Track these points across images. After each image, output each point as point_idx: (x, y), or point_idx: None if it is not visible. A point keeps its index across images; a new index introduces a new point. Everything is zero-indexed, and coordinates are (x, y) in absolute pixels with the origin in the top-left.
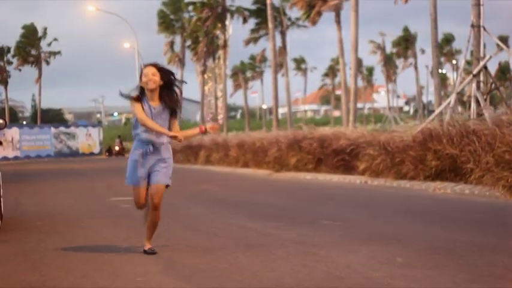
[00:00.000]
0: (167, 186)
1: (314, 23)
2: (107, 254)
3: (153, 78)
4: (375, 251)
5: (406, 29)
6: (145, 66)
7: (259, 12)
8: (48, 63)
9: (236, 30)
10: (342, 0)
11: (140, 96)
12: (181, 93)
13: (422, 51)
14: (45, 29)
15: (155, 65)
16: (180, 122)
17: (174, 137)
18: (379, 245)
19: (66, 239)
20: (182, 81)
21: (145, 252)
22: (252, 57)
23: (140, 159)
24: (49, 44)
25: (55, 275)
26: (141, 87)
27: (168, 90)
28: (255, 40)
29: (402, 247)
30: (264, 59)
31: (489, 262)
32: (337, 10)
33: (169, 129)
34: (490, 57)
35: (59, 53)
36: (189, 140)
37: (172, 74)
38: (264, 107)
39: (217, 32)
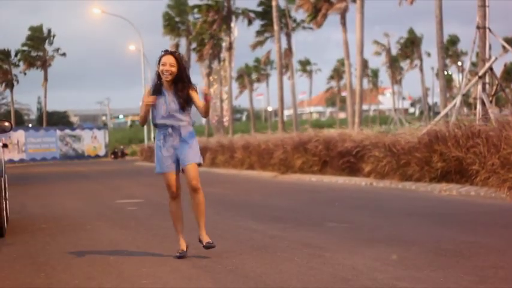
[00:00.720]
0: (199, 164)
1: (319, 25)
2: (112, 257)
3: (170, 69)
4: (380, 252)
5: (411, 31)
6: (165, 53)
7: (265, 14)
8: (50, 65)
9: (241, 31)
10: (348, 2)
11: (157, 85)
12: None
13: (428, 54)
14: (49, 30)
15: (174, 54)
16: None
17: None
18: (384, 246)
19: (72, 242)
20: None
21: (204, 247)
22: (257, 60)
23: (163, 144)
24: (51, 43)
25: (61, 277)
26: (158, 74)
27: (181, 83)
28: (261, 43)
29: (408, 249)
30: (269, 61)
31: (495, 264)
32: (343, 12)
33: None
34: (496, 58)
35: (64, 54)
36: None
37: (186, 71)
38: (270, 109)
39: (223, 34)
